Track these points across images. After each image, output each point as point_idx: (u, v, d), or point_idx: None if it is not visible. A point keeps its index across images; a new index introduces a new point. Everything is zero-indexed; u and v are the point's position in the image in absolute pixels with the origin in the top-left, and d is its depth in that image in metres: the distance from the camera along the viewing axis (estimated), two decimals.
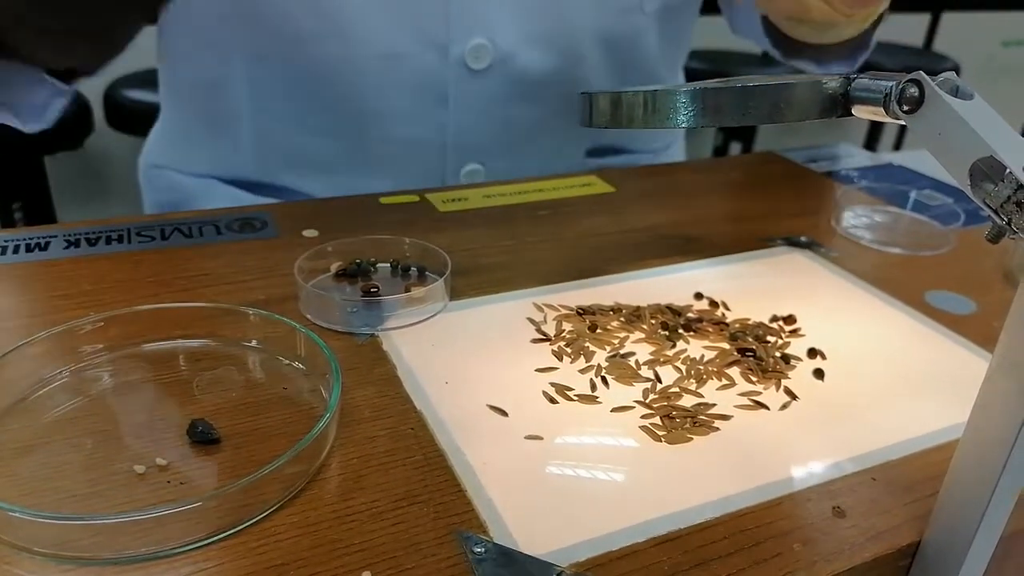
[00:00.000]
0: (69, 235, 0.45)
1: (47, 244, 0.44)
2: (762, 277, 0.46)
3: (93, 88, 1.39)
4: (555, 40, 0.62)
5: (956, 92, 0.27)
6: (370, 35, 0.59)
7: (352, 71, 0.59)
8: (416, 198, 0.54)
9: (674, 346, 0.38)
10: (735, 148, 1.98)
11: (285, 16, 0.57)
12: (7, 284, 0.40)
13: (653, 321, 0.40)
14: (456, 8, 0.60)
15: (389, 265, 0.44)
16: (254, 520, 0.27)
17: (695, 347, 0.38)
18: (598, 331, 0.39)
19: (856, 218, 0.55)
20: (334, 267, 0.43)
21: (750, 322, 0.41)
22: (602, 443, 0.32)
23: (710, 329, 0.40)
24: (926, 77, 0.27)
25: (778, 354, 0.38)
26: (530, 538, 0.27)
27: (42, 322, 0.37)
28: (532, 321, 0.40)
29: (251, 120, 0.62)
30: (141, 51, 0.50)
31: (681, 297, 0.43)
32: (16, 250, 0.43)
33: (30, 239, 0.45)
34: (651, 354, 0.37)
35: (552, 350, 0.38)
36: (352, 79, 0.59)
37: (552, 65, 0.65)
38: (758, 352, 0.38)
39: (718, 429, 0.33)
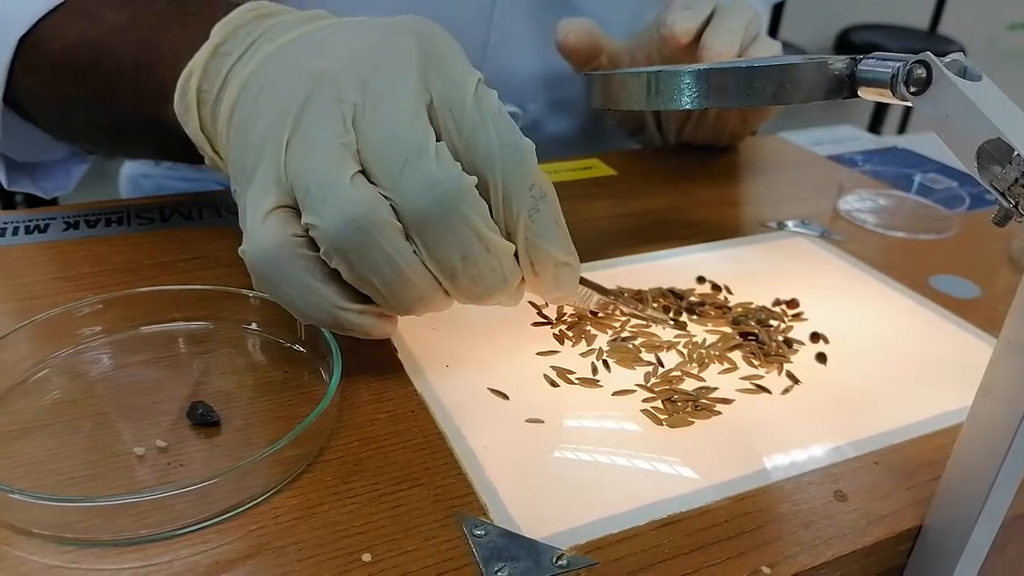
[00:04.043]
0: (68, 217, 0.45)
1: (46, 226, 0.44)
2: (765, 261, 0.46)
3: None
4: (582, 106, 0.63)
5: (964, 73, 0.26)
6: None
7: None
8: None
9: (676, 330, 0.38)
10: None
11: None
12: (6, 266, 0.40)
13: (656, 305, 0.40)
14: (489, 77, 0.60)
15: None
16: (254, 502, 0.27)
17: (697, 331, 0.38)
18: (599, 314, 0.39)
19: (860, 201, 0.54)
20: None
21: (752, 306, 0.40)
22: (603, 426, 0.32)
23: (712, 313, 0.39)
24: (934, 58, 0.27)
25: (780, 338, 0.38)
26: (530, 521, 0.27)
27: (41, 304, 0.36)
28: (533, 304, 0.40)
29: None
30: None
31: (683, 281, 0.42)
32: (16, 232, 0.43)
33: (29, 221, 0.44)
34: (653, 338, 0.37)
35: (553, 333, 0.37)
36: None
37: (580, 130, 0.66)
38: (760, 336, 0.37)
39: (720, 413, 0.33)
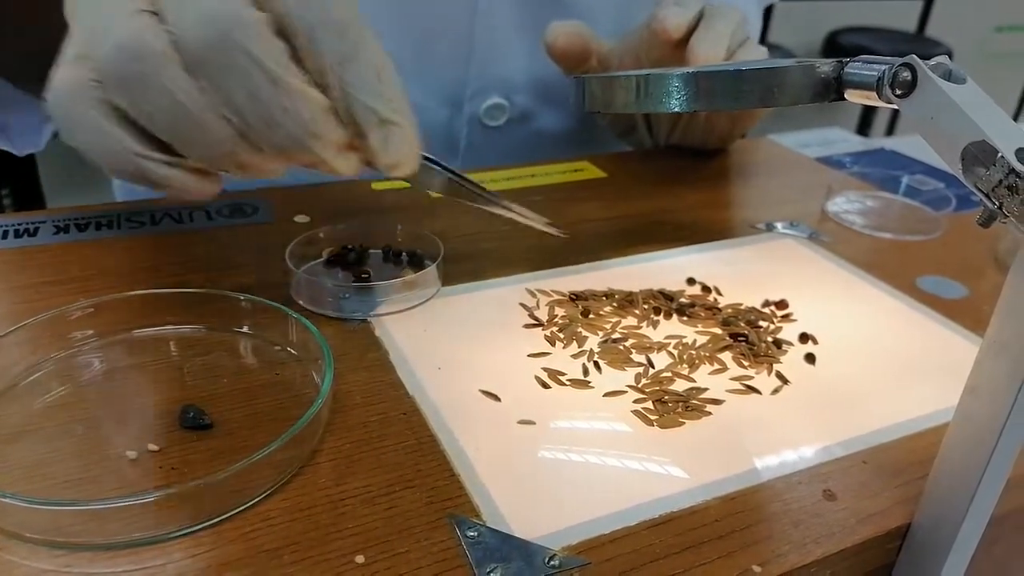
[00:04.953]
0: (58, 221, 0.45)
1: (36, 230, 0.44)
2: (754, 262, 0.46)
3: None
4: (573, 108, 0.63)
5: (949, 76, 0.27)
6: None
7: None
8: (408, 184, 0.53)
9: (663, 329, 0.38)
10: None
11: None
12: None
13: (646, 306, 0.40)
14: (476, 68, 0.61)
15: (381, 251, 0.44)
16: (247, 505, 0.27)
17: (687, 332, 0.38)
18: (590, 316, 0.39)
19: (848, 203, 0.55)
20: (326, 253, 0.43)
21: (742, 307, 0.41)
22: (594, 427, 0.32)
23: (702, 314, 0.40)
24: (919, 61, 0.27)
25: (770, 339, 0.38)
26: (523, 522, 0.27)
27: (31, 308, 0.36)
28: (525, 306, 0.40)
29: None
30: None
31: (673, 282, 0.43)
32: (5, 235, 0.43)
33: (19, 224, 0.44)
34: (643, 339, 0.37)
35: (545, 335, 0.38)
36: None
37: (568, 125, 0.66)
38: (750, 337, 0.38)
39: (710, 413, 0.33)
